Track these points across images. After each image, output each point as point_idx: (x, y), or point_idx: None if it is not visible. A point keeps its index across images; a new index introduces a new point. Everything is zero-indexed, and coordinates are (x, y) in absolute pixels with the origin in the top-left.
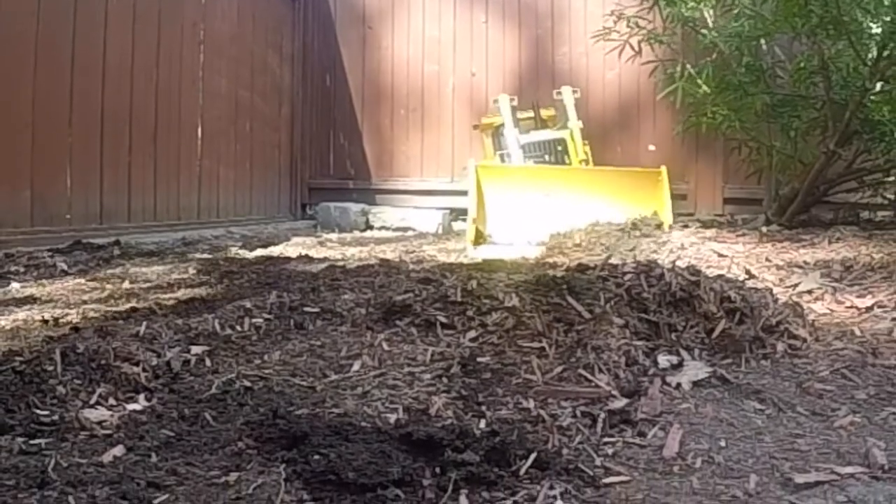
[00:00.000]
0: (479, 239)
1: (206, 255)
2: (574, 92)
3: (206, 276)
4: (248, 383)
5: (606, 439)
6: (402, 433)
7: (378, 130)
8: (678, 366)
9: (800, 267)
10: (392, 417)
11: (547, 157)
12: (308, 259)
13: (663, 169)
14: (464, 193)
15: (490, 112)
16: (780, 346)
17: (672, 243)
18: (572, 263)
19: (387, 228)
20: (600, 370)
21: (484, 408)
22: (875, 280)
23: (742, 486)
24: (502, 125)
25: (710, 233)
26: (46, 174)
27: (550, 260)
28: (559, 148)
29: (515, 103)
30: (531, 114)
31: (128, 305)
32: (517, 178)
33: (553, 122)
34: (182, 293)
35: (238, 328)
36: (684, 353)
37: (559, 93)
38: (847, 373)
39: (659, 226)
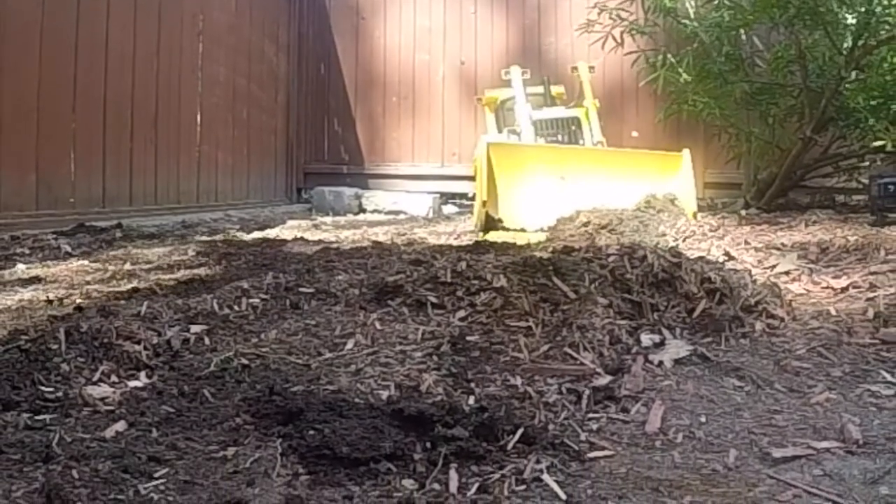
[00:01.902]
0: (490, 224)
1: (204, 238)
2: (590, 68)
3: (204, 258)
4: (245, 361)
5: (591, 415)
6: (393, 409)
7: (371, 117)
8: (660, 344)
9: (777, 249)
10: (384, 394)
11: (560, 137)
12: (303, 241)
13: (686, 152)
14: (453, 178)
15: (498, 86)
16: (759, 326)
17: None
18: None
19: (379, 212)
20: (585, 348)
21: (473, 385)
22: (850, 261)
23: (722, 460)
24: (508, 100)
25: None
26: (51, 159)
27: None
28: (573, 127)
29: (528, 77)
30: (541, 90)
31: (129, 286)
32: (532, 159)
33: (562, 100)
34: (182, 274)
35: (236, 308)
36: (666, 332)
37: (575, 68)
38: (823, 351)
39: (676, 213)
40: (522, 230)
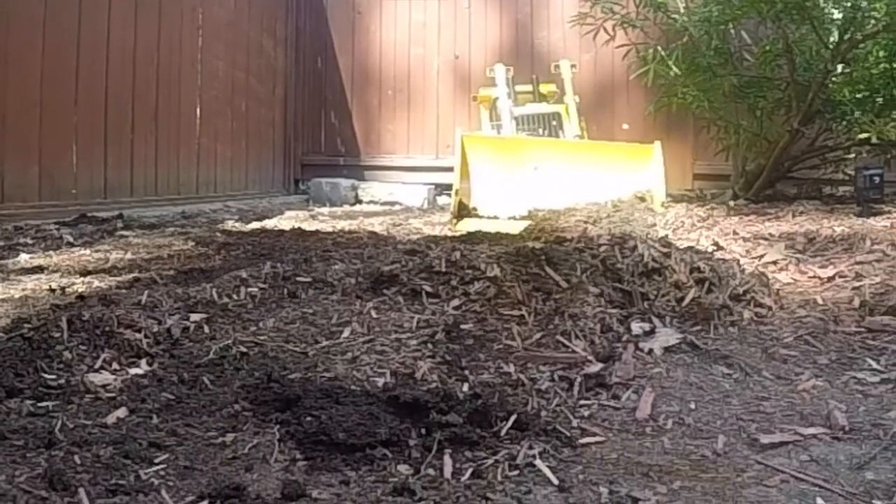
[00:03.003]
0: (463, 212)
1: (204, 228)
2: (572, 66)
3: (204, 248)
4: (243, 349)
5: (582, 402)
6: (389, 396)
7: (367, 110)
8: (650, 332)
9: (765, 239)
10: (380, 381)
11: (541, 131)
12: (301, 232)
13: (657, 144)
14: (448, 169)
15: (489, 85)
16: (747, 314)
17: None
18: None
19: (375, 203)
20: (577, 336)
21: (467, 372)
22: (836, 251)
23: (711, 446)
24: (499, 98)
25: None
26: (53, 151)
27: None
28: (553, 122)
29: (512, 74)
30: (530, 88)
31: (130, 275)
32: (504, 150)
33: (552, 97)
34: (181, 264)
35: (234, 297)
36: (656, 321)
37: (557, 66)
38: (810, 339)
39: (646, 206)
40: (495, 217)
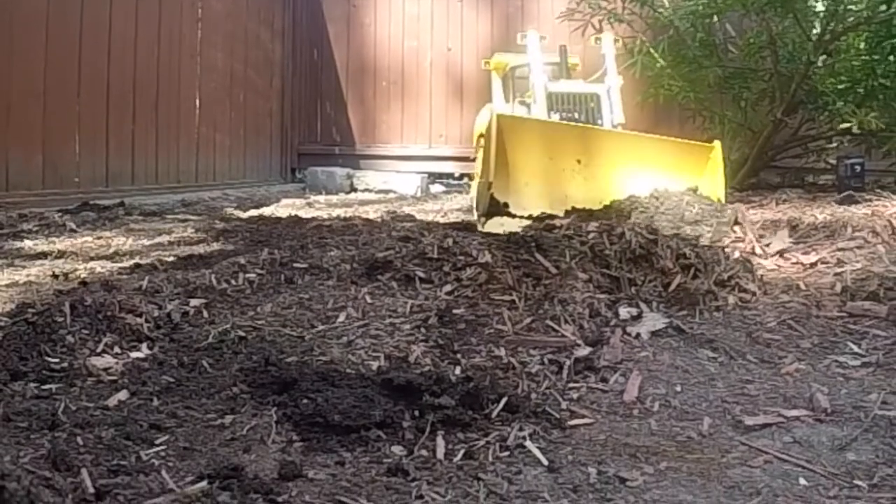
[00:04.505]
0: (494, 209)
1: (203, 216)
2: (616, 40)
3: (203, 235)
4: (242, 333)
5: (571, 385)
6: (383, 379)
7: (362, 101)
8: (637, 317)
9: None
10: (374, 364)
11: (577, 114)
12: (297, 219)
13: (717, 144)
14: (440, 159)
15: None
16: (732, 299)
17: None
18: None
19: (370, 191)
20: (566, 321)
21: (459, 356)
22: (819, 238)
23: (696, 427)
24: (519, 66)
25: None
26: (57, 140)
27: None
28: (591, 104)
29: (546, 42)
30: (557, 59)
31: (131, 262)
32: (546, 137)
33: (576, 72)
34: (181, 250)
35: (233, 282)
36: (643, 306)
37: (598, 39)
38: (793, 323)
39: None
40: (530, 217)
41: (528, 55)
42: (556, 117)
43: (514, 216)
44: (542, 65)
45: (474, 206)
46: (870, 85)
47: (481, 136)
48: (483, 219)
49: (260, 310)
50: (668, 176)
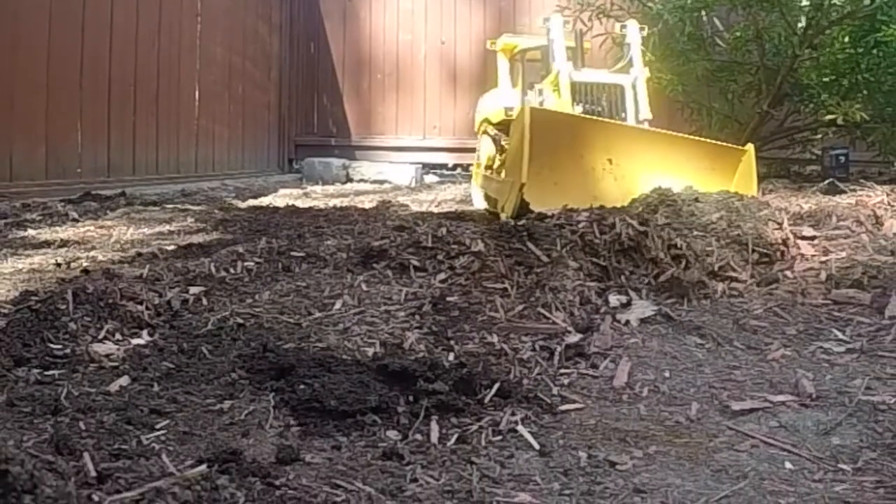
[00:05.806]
0: (524, 212)
1: (202, 205)
2: (641, 29)
3: (202, 224)
4: (240, 320)
5: (562, 371)
6: (378, 365)
7: (357, 93)
8: (627, 305)
9: None
10: (370, 351)
11: (601, 108)
12: (294, 209)
13: (750, 148)
14: (434, 150)
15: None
16: (720, 287)
17: None
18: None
19: (365, 181)
20: (557, 308)
21: (452, 342)
22: (804, 227)
23: (684, 412)
24: (531, 49)
25: None
26: (59, 131)
27: None
28: (615, 97)
29: (569, 28)
30: (572, 44)
31: (132, 250)
32: (578, 133)
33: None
34: (181, 239)
35: (232, 271)
36: (633, 294)
37: (624, 27)
38: (779, 311)
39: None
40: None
41: (550, 39)
42: (578, 109)
43: (544, 218)
44: (564, 50)
45: (501, 207)
46: (854, 78)
47: (485, 121)
48: (512, 221)
49: (258, 297)
50: (700, 178)
